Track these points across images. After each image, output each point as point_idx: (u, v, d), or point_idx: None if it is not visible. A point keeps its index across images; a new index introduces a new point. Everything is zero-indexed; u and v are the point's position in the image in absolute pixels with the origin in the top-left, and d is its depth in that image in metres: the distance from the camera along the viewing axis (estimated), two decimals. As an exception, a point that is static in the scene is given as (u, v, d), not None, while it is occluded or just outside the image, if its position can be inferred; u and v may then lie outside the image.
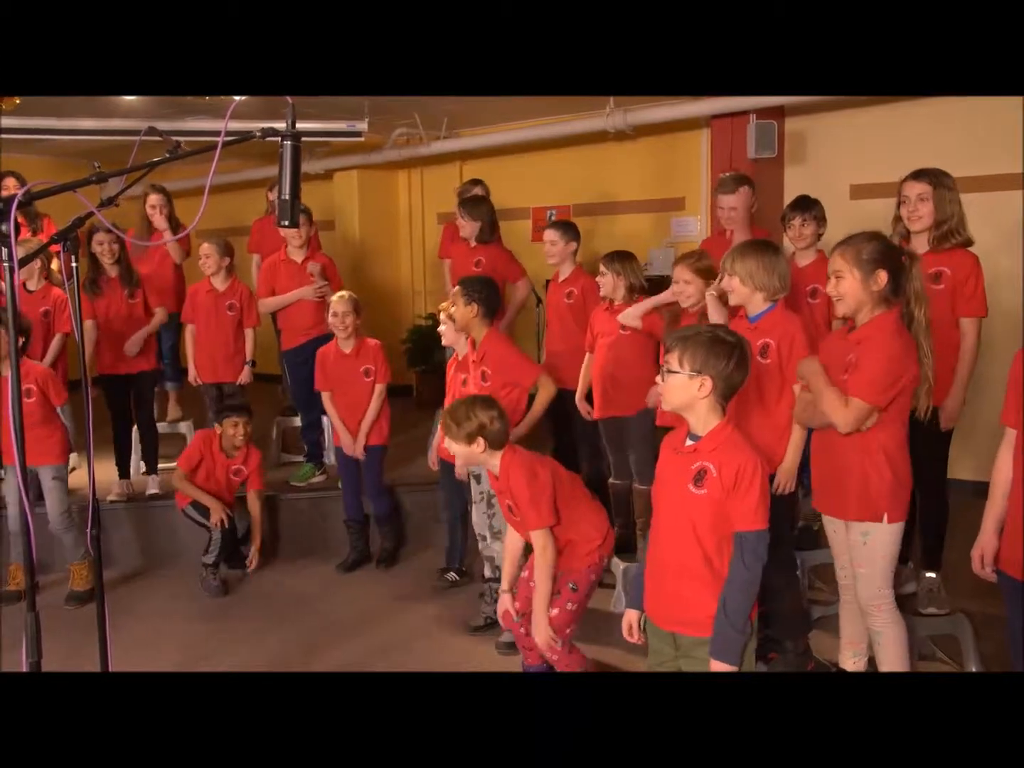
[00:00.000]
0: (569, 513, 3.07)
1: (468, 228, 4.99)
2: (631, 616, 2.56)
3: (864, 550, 2.74)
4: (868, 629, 2.83)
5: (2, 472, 4.64)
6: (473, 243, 5.03)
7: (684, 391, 2.32)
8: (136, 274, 4.88)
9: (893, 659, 2.77)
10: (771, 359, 3.03)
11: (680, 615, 2.38)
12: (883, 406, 2.65)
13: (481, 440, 3.03)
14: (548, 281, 4.88)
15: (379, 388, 4.59)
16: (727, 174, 4.70)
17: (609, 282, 4.07)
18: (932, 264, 3.30)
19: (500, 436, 3.06)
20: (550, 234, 4.54)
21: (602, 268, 4.10)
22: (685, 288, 3.60)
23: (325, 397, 4.63)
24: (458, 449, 3.10)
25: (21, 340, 4.29)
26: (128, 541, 4.80)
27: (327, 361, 4.60)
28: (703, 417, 2.34)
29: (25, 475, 2.08)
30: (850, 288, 2.70)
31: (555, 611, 3.05)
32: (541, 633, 3.00)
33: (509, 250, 5.19)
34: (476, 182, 5.75)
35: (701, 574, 2.32)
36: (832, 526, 2.91)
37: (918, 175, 3.38)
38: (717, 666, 2.29)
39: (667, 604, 2.41)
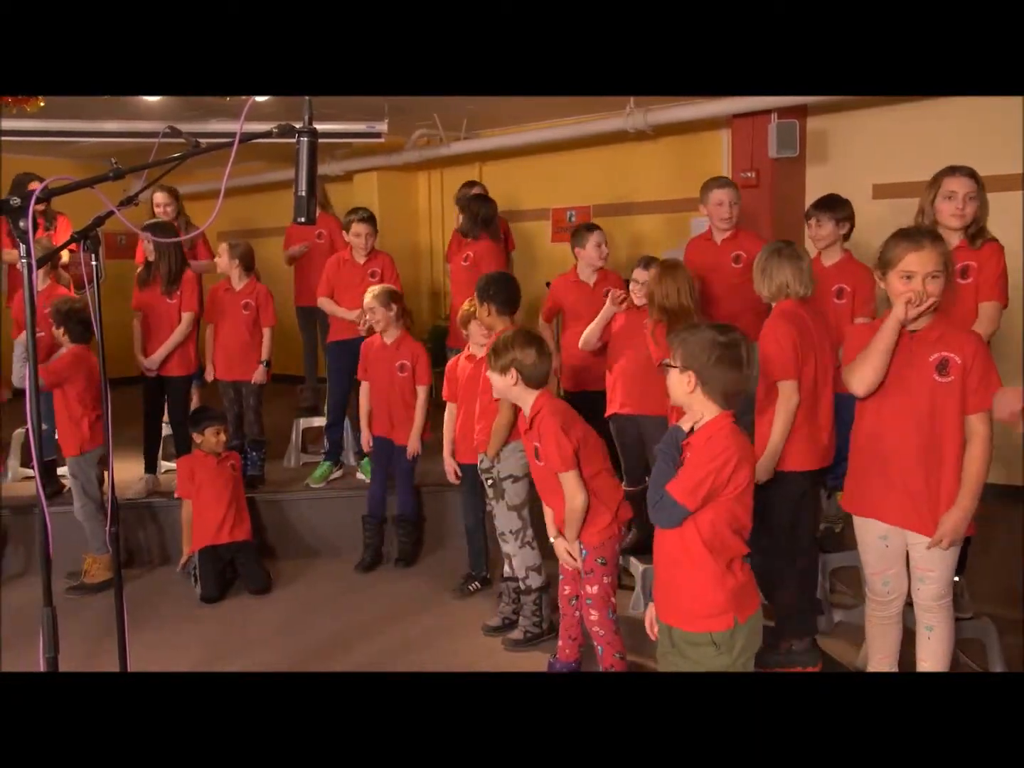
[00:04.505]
0: (589, 478, 3.12)
1: (460, 221, 5.16)
2: (651, 611, 2.58)
3: (943, 555, 2.69)
4: (920, 624, 2.78)
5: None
6: (467, 239, 5.15)
7: (678, 386, 2.38)
8: (179, 275, 4.93)
9: (940, 654, 2.75)
10: None
11: (670, 607, 2.41)
12: None
13: (514, 372, 3.14)
14: (549, 283, 4.85)
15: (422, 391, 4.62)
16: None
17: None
18: (962, 259, 3.25)
19: (535, 374, 3.16)
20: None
21: (638, 276, 4.04)
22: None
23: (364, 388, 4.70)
24: (494, 379, 3.23)
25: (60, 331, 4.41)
26: (150, 537, 4.85)
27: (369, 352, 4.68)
28: (699, 414, 2.37)
29: (42, 470, 2.09)
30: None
31: (595, 588, 3.14)
32: (561, 550, 3.20)
33: (500, 246, 5.24)
34: (473, 183, 5.90)
35: (684, 565, 2.35)
36: (890, 539, 2.78)
37: (969, 172, 3.27)
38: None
39: (661, 596, 2.45)
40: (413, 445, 4.55)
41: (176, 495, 4.65)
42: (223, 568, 4.43)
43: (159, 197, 5.61)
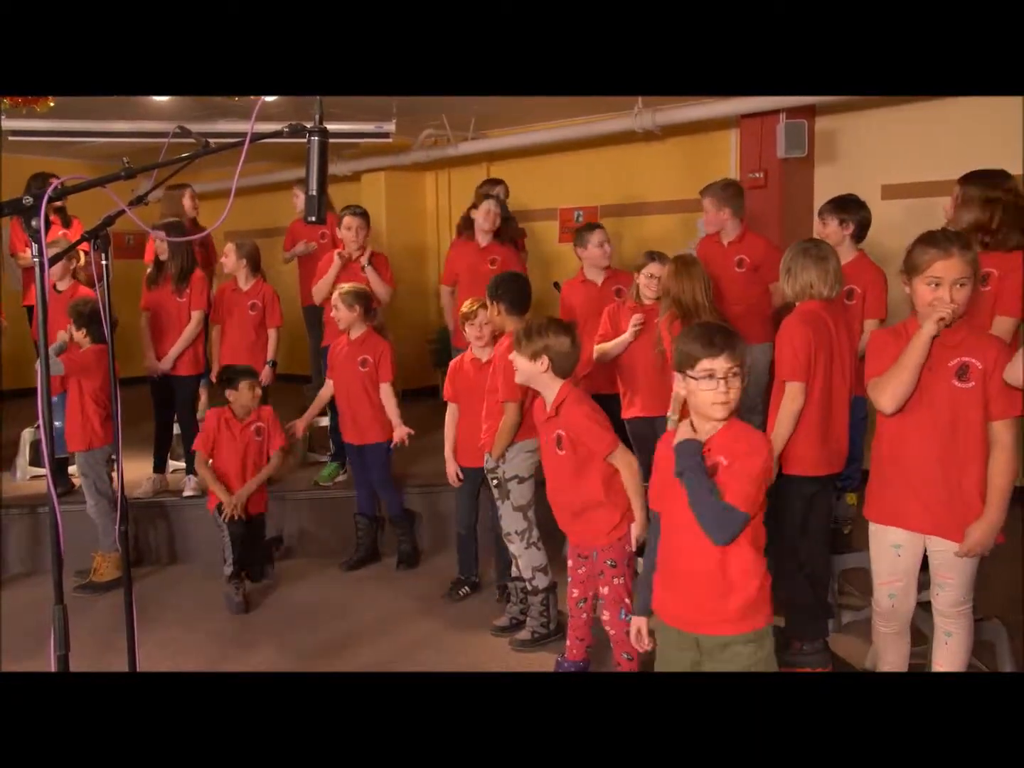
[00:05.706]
0: (610, 476, 3.14)
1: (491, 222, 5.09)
2: (639, 623, 2.46)
3: (964, 563, 2.65)
4: (938, 630, 2.75)
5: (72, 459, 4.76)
6: (486, 242, 5.12)
7: (679, 386, 2.32)
8: (189, 274, 4.95)
9: (957, 660, 2.73)
10: None
11: (711, 615, 2.25)
12: None
13: (545, 359, 3.10)
14: (556, 283, 4.84)
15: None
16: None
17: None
18: (982, 265, 3.09)
19: (566, 363, 3.14)
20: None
21: (652, 271, 4.08)
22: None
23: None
24: (520, 363, 3.16)
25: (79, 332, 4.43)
26: (160, 536, 4.87)
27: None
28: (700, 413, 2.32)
29: (53, 467, 2.10)
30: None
31: (605, 590, 3.18)
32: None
33: (520, 251, 5.24)
34: (496, 181, 5.84)
35: (731, 569, 2.21)
36: (904, 549, 2.73)
37: (965, 175, 3.27)
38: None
39: (694, 607, 2.28)
40: (399, 433, 4.46)
41: (193, 448, 4.55)
42: (246, 531, 4.35)
43: (191, 197, 5.64)
